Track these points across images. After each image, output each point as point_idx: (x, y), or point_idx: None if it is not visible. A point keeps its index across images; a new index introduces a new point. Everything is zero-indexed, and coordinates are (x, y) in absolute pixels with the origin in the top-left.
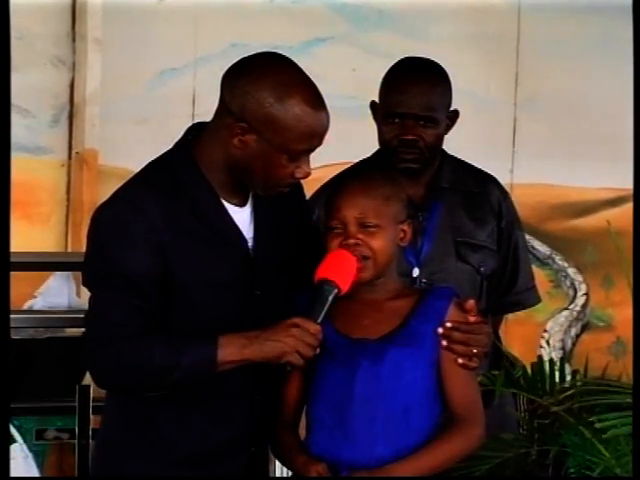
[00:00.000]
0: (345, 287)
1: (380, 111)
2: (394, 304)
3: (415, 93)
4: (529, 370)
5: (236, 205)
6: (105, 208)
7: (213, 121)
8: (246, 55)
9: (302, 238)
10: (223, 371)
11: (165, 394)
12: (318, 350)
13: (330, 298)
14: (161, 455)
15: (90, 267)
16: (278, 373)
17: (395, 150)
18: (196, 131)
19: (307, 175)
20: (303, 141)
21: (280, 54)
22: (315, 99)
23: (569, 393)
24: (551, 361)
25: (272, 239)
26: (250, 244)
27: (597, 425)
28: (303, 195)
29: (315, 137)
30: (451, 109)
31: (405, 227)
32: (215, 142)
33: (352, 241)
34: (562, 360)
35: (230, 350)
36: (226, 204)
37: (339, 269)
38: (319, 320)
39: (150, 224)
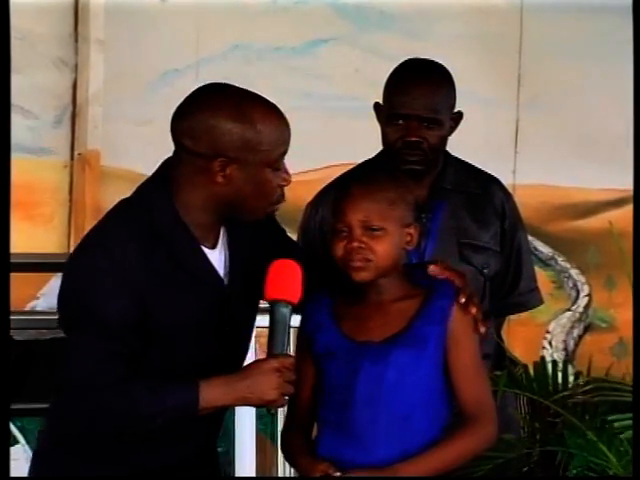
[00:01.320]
0: (296, 298)
1: (384, 112)
2: (400, 306)
3: (419, 94)
4: (531, 370)
5: (209, 247)
6: (81, 255)
7: (182, 169)
8: (202, 85)
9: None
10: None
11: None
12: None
13: (288, 319)
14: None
15: (67, 311)
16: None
17: (399, 152)
18: (169, 169)
19: (290, 180)
20: (279, 146)
21: (214, 82)
22: (270, 106)
23: (570, 395)
24: (554, 363)
25: (245, 277)
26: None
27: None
28: (277, 224)
29: (287, 138)
30: (455, 110)
31: (412, 231)
32: (193, 188)
33: (355, 244)
34: (565, 363)
35: (211, 397)
36: (202, 247)
37: (284, 282)
38: (286, 349)
39: (126, 271)
